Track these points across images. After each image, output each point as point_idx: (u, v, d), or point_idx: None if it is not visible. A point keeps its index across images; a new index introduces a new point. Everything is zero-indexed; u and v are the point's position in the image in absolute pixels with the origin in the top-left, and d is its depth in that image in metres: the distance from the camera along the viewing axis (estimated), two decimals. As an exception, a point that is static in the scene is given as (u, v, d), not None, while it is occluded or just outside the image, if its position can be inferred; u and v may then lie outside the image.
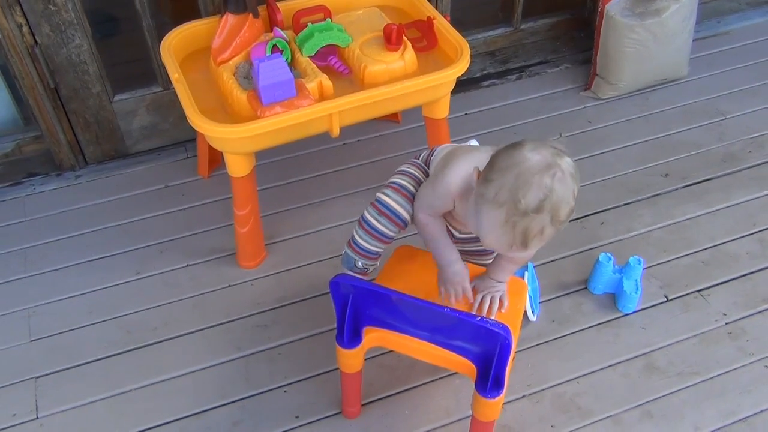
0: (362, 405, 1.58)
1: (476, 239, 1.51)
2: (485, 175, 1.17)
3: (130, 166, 2.13)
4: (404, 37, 1.75)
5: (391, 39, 1.72)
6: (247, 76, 1.69)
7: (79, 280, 1.84)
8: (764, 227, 1.97)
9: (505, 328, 1.21)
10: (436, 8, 1.89)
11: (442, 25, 1.81)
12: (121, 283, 1.83)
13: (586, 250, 1.91)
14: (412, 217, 1.42)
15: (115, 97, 2.03)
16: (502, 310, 1.44)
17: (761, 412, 1.59)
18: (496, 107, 2.34)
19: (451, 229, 1.47)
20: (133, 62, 2.18)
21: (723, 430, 1.56)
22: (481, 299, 1.44)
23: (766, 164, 2.15)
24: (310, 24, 1.76)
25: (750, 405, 1.60)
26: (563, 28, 2.51)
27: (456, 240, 1.51)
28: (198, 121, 1.55)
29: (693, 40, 2.40)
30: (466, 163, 1.29)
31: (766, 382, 1.64)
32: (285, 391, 1.61)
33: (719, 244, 1.93)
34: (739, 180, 2.11)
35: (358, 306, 1.33)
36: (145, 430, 1.55)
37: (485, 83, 2.42)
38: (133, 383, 1.62)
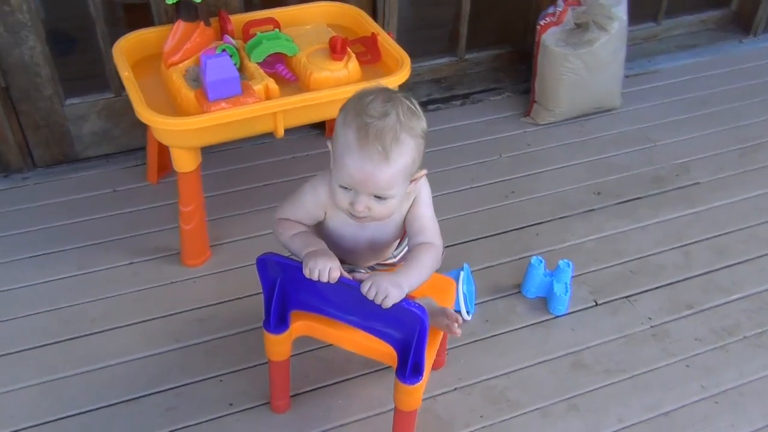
0: (297, 395, 1.59)
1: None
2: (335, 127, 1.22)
3: (79, 170, 2.16)
4: (348, 49, 1.84)
5: (336, 49, 1.81)
6: (196, 79, 1.75)
7: (17, 274, 1.83)
8: (690, 241, 2.08)
9: (422, 309, 1.21)
10: (382, 28, 2.00)
11: (386, 40, 1.91)
12: (61, 278, 1.83)
13: (521, 258, 1.98)
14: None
15: (67, 101, 2.07)
16: (387, 302, 1.18)
17: (682, 407, 1.65)
18: (440, 129, 2.44)
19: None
20: (89, 75, 2.22)
21: (646, 423, 1.61)
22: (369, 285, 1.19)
23: (693, 186, 2.28)
24: (259, 33, 1.85)
25: (672, 400, 1.66)
26: (505, 61, 2.66)
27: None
28: (146, 114, 1.61)
29: (626, 77, 2.57)
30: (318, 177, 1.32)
31: (687, 380, 1.71)
32: (221, 380, 1.62)
33: (647, 256, 2.03)
34: (668, 199, 2.22)
35: (286, 289, 1.33)
36: (76, 414, 1.54)
37: (431, 107, 2.52)
38: (67, 370, 1.62)
